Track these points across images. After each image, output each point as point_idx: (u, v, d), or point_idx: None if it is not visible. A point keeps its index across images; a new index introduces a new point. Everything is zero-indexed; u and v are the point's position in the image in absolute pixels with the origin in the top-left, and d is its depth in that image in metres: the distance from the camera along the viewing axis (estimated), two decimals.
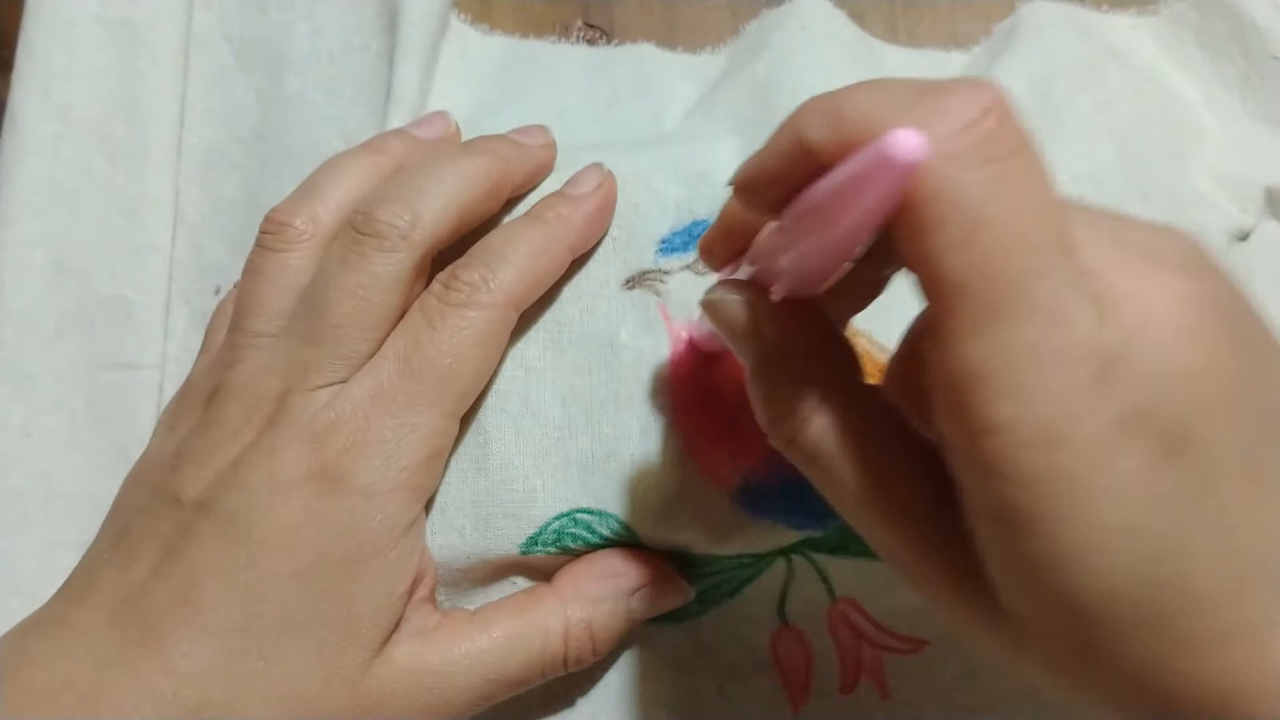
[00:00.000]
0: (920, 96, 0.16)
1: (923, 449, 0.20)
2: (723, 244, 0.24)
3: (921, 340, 0.18)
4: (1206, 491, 0.16)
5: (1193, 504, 0.16)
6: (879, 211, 0.16)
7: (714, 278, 0.29)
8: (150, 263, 0.34)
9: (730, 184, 0.20)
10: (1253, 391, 0.17)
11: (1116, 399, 0.16)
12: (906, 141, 0.15)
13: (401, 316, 0.26)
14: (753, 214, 0.21)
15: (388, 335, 0.26)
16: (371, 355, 0.26)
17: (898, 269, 0.22)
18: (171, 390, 0.30)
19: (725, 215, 0.23)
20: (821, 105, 0.18)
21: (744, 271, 0.23)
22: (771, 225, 0.21)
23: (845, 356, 0.21)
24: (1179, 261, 0.17)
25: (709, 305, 0.23)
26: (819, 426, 0.20)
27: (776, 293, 0.21)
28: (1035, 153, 0.17)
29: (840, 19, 0.36)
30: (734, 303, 0.22)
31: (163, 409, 0.30)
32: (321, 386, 0.25)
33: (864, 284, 0.23)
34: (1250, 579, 0.16)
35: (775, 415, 0.21)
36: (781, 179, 0.19)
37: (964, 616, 0.20)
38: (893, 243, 0.17)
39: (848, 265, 0.21)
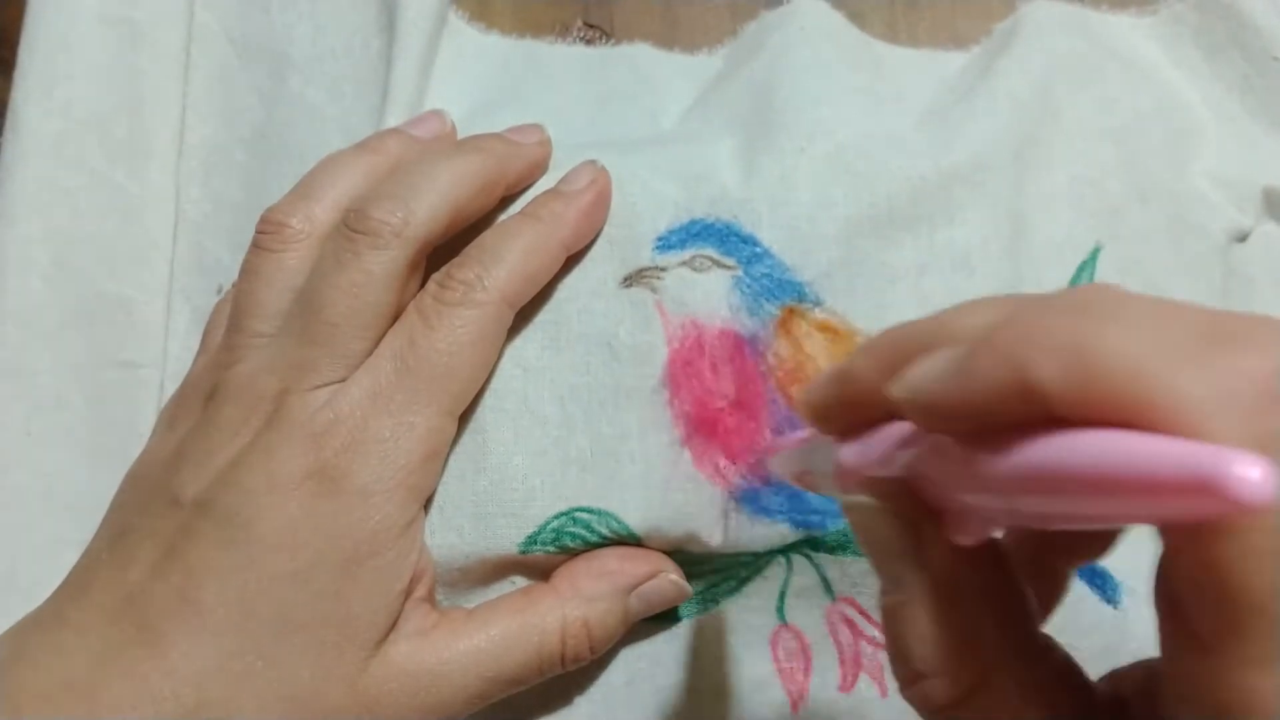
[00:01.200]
0: (1205, 347, 0.13)
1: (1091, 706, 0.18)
2: (839, 413, 0.20)
3: (1173, 638, 0.15)
4: None
5: None
6: (1162, 520, 0.13)
7: (713, 275, 0.29)
8: (151, 261, 0.34)
9: (902, 395, 0.16)
10: None
11: None
12: (1252, 479, 0.11)
13: (397, 314, 0.27)
14: (921, 426, 0.17)
15: (384, 333, 0.26)
16: (368, 354, 0.26)
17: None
18: (172, 389, 0.30)
19: (850, 388, 0.19)
20: (1058, 340, 0.14)
21: (877, 453, 0.19)
22: (946, 440, 0.16)
23: (1019, 601, 0.18)
24: None
25: (852, 508, 0.19)
26: (997, 695, 0.17)
27: (964, 538, 0.17)
28: None
29: (839, 21, 0.36)
30: (892, 513, 0.18)
31: (163, 406, 0.30)
32: (319, 386, 0.25)
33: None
34: None
35: (942, 670, 0.17)
36: (981, 411, 0.15)
37: None
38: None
39: None
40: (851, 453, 0.19)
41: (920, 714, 0.18)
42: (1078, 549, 0.19)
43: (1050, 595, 0.20)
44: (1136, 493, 0.13)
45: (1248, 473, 0.11)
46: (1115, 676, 0.19)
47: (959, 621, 0.17)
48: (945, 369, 0.16)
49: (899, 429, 0.18)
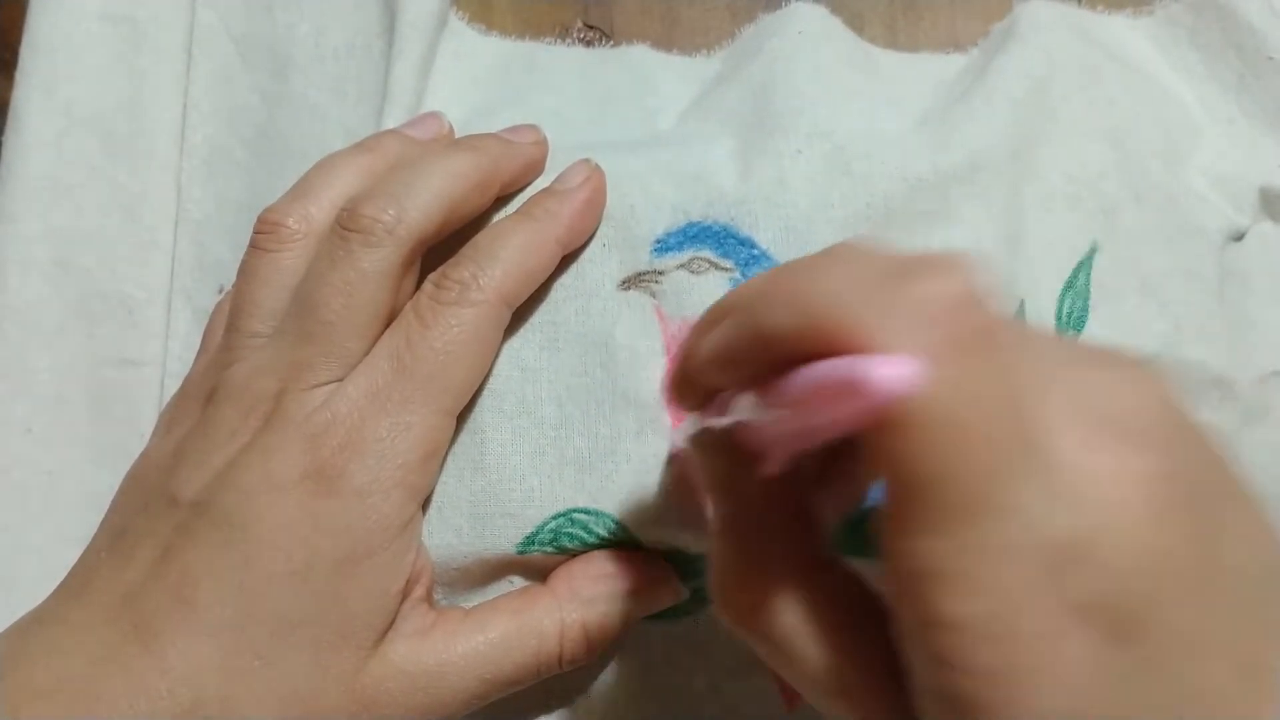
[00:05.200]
0: (886, 282, 0.16)
1: (879, 620, 0.20)
2: (686, 396, 0.23)
3: (882, 526, 0.18)
4: (1155, 668, 0.16)
5: (1141, 683, 0.16)
6: (854, 423, 0.16)
7: (710, 277, 0.30)
8: (152, 260, 0.34)
9: (700, 358, 0.21)
10: (1208, 567, 0.17)
11: (1070, 590, 0.16)
12: (891, 374, 0.15)
13: (393, 313, 0.27)
14: (726, 385, 0.21)
15: (380, 332, 0.26)
16: (365, 353, 0.26)
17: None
18: (173, 388, 0.30)
19: (688, 367, 0.22)
20: (781, 291, 0.18)
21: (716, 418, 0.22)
22: (745, 397, 0.20)
23: (810, 528, 0.21)
24: (1143, 427, 0.17)
25: (695, 444, 0.23)
26: (782, 606, 0.20)
27: (768, 468, 0.20)
28: (1004, 338, 0.17)
29: (836, 25, 0.36)
30: (718, 450, 0.22)
31: (164, 406, 0.30)
32: (316, 386, 0.25)
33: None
34: None
35: (737, 584, 0.21)
36: (748, 362, 0.19)
37: None
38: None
39: None
40: (691, 421, 0.24)
41: (727, 625, 0.21)
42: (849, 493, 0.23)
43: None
44: (827, 401, 0.16)
45: (886, 372, 0.15)
46: None
47: (752, 548, 0.21)
48: (718, 335, 0.20)
49: (730, 395, 0.21)
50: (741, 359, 0.19)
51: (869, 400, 0.15)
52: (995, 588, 0.16)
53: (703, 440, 0.22)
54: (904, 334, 0.16)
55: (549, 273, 0.28)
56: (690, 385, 0.22)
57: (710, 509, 0.22)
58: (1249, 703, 0.17)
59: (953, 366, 0.16)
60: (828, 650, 0.20)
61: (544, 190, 0.29)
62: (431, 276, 0.27)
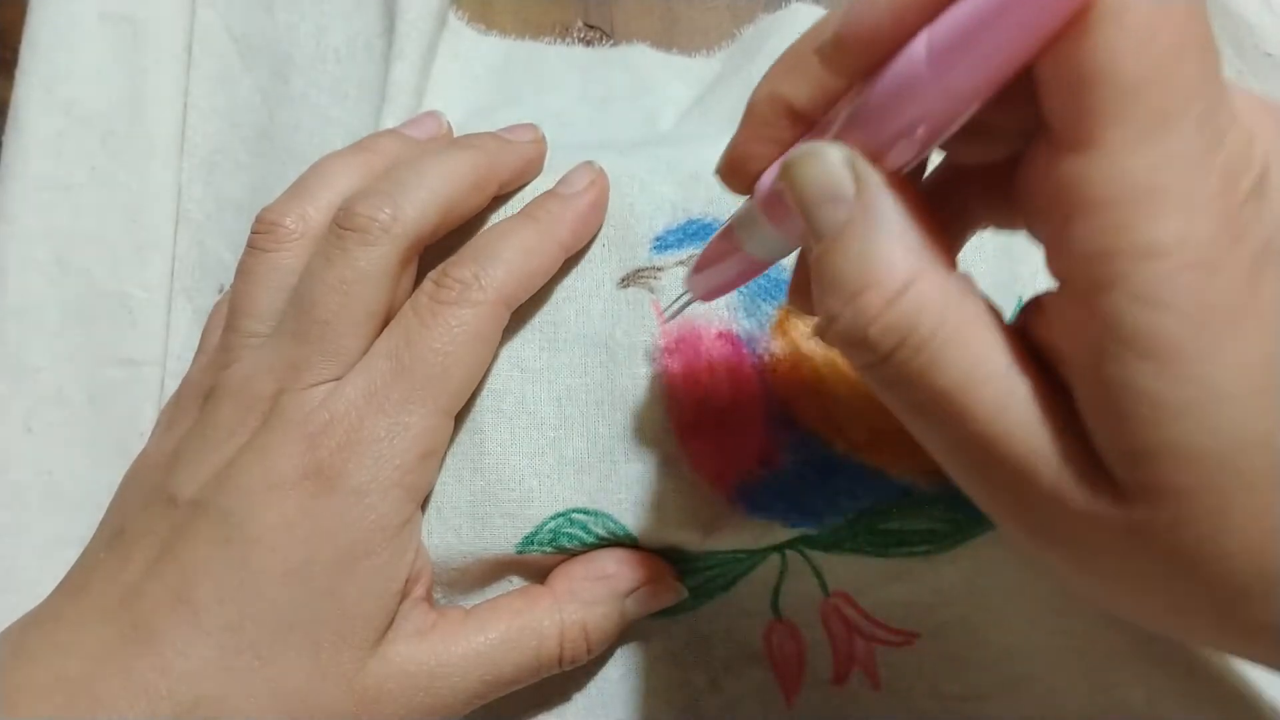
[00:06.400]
0: None
1: (1010, 341, 0.18)
2: (761, 149, 0.20)
3: (1047, 175, 0.16)
4: None
5: None
6: (1058, 15, 0.15)
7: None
8: (152, 259, 0.34)
9: (828, 42, 0.18)
10: None
11: (1264, 222, 0.15)
12: None
13: (390, 312, 0.27)
14: (839, 81, 0.18)
15: (378, 331, 0.26)
16: (362, 351, 0.26)
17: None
18: (173, 387, 0.30)
19: (761, 114, 0.19)
20: None
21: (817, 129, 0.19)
22: (857, 94, 0.18)
23: (939, 237, 0.18)
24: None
25: (798, 160, 0.18)
26: (923, 297, 0.17)
27: (907, 156, 0.18)
28: None
29: None
30: (830, 153, 0.18)
31: (163, 405, 0.30)
32: (314, 385, 0.25)
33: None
34: None
35: (870, 278, 0.17)
36: (893, 20, 0.17)
37: (1061, 522, 0.18)
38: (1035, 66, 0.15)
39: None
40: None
41: (845, 345, 0.18)
42: (984, 210, 0.21)
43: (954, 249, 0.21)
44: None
45: None
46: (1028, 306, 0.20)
47: (889, 229, 0.18)
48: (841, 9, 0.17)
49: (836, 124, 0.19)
50: (889, 26, 0.17)
51: None
52: (1201, 204, 0.15)
53: (808, 151, 0.18)
54: None
55: (550, 275, 0.28)
56: (768, 124, 0.19)
57: (825, 223, 0.18)
58: None
59: None
60: (974, 355, 0.17)
61: (548, 193, 0.29)
62: (432, 274, 0.27)
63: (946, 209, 0.21)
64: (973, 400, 0.17)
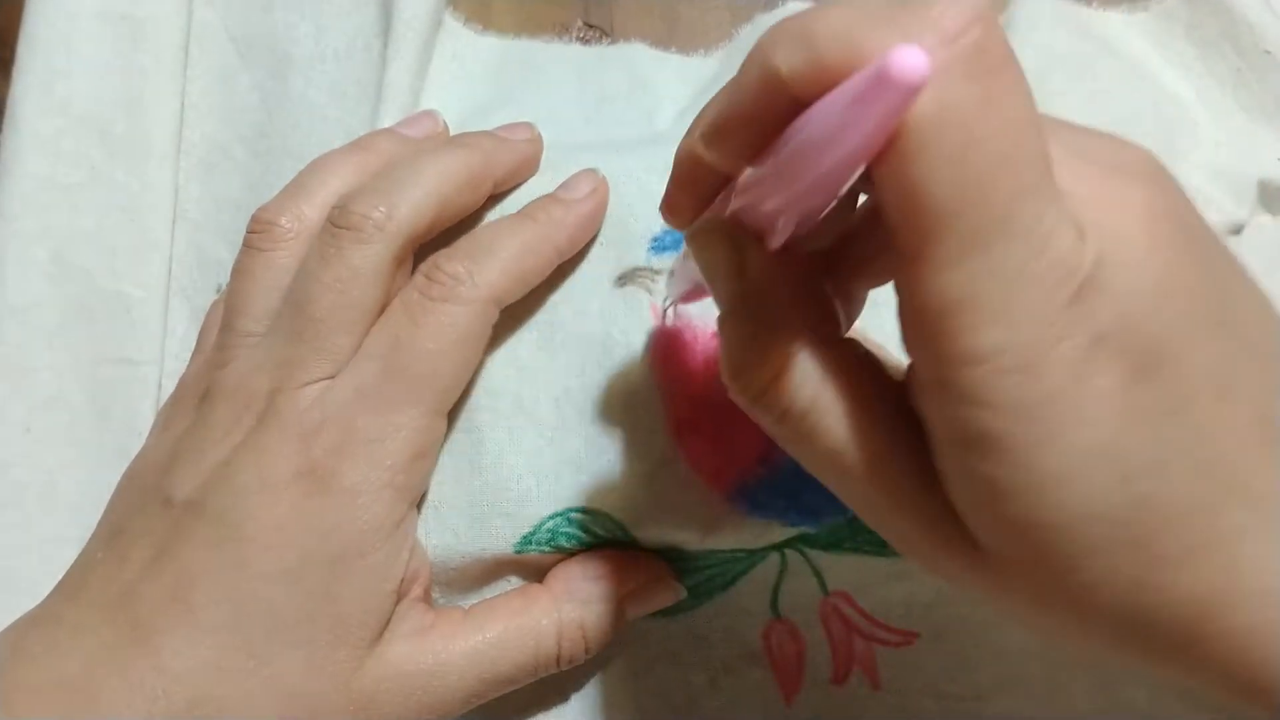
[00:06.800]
0: (899, 7, 0.15)
1: (894, 398, 0.20)
2: (687, 199, 0.22)
3: (898, 274, 0.17)
4: (1179, 407, 0.16)
5: (1166, 420, 0.16)
6: (878, 139, 0.15)
7: None
8: (150, 259, 0.34)
9: (699, 137, 0.19)
10: (1216, 304, 0.17)
11: (1093, 319, 0.16)
12: (908, 61, 0.13)
13: (384, 309, 0.27)
14: (725, 163, 0.19)
15: (371, 328, 0.26)
16: (356, 349, 0.26)
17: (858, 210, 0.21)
18: (171, 387, 0.30)
19: (683, 168, 0.21)
20: (789, 31, 0.16)
21: (714, 206, 0.21)
22: (748, 171, 0.19)
23: (824, 308, 0.20)
24: (1140, 171, 0.17)
25: (694, 236, 0.21)
26: (802, 376, 0.19)
27: (775, 241, 0.19)
28: (1018, 64, 0.16)
29: None
30: (721, 235, 0.20)
31: (161, 405, 0.30)
32: (308, 383, 0.25)
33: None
34: (1221, 491, 0.17)
35: (750, 361, 0.19)
36: (754, 120, 0.17)
37: (943, 564, 0.19)
38: (870, 173, 0.16)
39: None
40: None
41: (744, 408, 0.20)
42: (868, 271, 0.22)
43: (850, 313, 0.22)
44: (855, 119, 0.14)
45: (904, 57, 0.13)
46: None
47: (767, 318, 0.19)
48: (721, 96, 0.18)
49: (727, 193, 0.20)
50: (747, 114, 0.17)
51: (886, 92, 0.13)
52: (1019, 314, 0.16)
53: (704, 229, 0.21)
54: (924, 44, 0.15)
55: (543, 278, 0.28)
56: (690, 179, 0.21)
57: (720, 299, 0.20)
58: (1263, 452, 0.17)
59: (977, 79, 0.15)
60: (851, 422, 0.19)
61: (549, 196, 0.29)
62: (423, 267, 0.27)
63: (848, 266, 0.22)
64: (851, 463, 0.19)
